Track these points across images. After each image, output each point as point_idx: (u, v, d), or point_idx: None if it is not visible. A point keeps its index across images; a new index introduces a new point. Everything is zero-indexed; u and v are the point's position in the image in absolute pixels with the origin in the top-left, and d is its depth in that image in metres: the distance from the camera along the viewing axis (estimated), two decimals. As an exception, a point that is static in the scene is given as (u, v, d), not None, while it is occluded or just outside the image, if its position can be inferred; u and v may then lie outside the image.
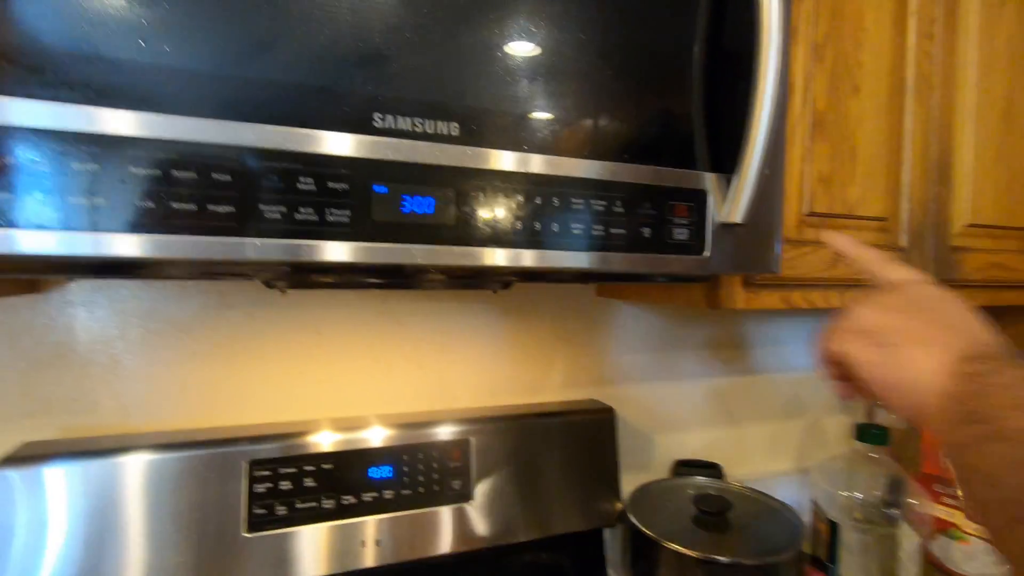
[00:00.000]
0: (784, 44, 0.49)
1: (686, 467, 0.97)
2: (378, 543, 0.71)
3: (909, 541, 0.80)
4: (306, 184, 0.39)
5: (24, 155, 0.33)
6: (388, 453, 0.72)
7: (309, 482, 0.68)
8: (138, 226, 0.35)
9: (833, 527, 0.79)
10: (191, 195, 0.37)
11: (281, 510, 0.67)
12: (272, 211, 0.38)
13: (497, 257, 0.45)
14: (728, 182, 0.53)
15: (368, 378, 0.81)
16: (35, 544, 0.58)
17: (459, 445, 0.76)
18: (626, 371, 0.98)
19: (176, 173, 0.36)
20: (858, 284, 0.72)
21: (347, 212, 0.40)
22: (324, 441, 0.70)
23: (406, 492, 0.73)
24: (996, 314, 0.96)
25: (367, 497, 0.71)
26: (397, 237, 0.42)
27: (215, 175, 0.37)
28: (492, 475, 0.78)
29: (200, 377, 0.73)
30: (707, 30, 0.52)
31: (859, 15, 0.70)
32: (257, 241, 0.38)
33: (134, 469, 0.62)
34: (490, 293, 0.85)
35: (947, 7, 0.76)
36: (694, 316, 1.02)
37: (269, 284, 0.58)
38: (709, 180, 0.53)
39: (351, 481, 0.70)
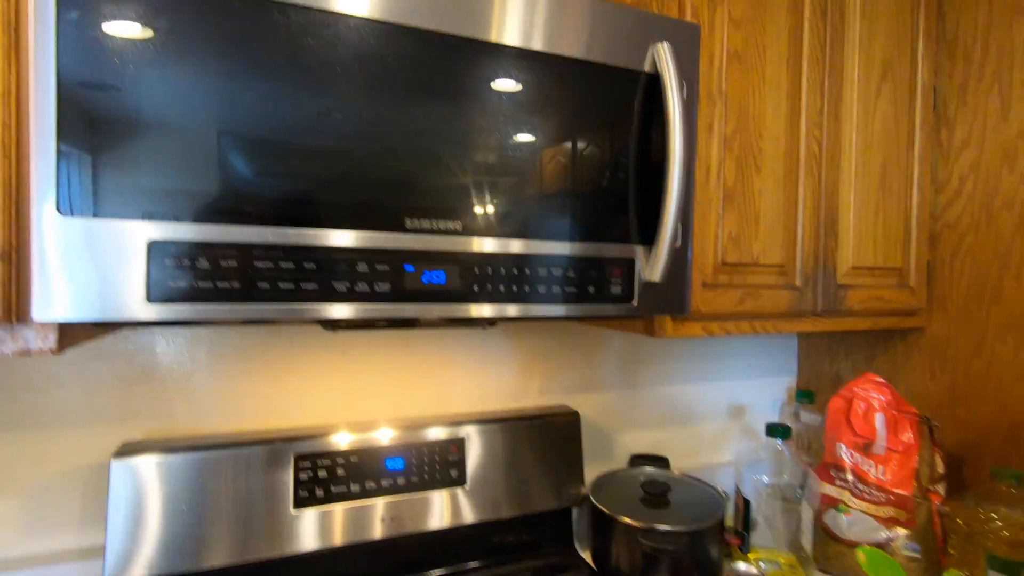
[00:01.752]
0: (687, 163, 0.70)
1: (640, 460, 1.19)
2: (393, 519, 0.91)
3: (807, 513, 1.03)
4: (362, 268, 0.60)
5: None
6: (401, 448, 0.93)
7: (340, 471, 0.89)
8: (272, 299, 0.56)
9: (747, 504, 1.01)
10: (291, 278, 0.57)
11: (319, 492, 0.87)
12: (341, 285, 0.59)
13: (488, 311, 0.65)
14: (650, 252, 0.74)
15: (383, 389, 1.02)
16: (142, 515, 0.77)
17: (456, 442, 0.97)
18: (591, 381, 1.19)
19: (282, 264, 0.57)
20: (759, 316, 0.94)
21: (388, 284, 0.61)
22: (352, 439, 0.90)
23: (414, 479, 0.93)
24: (878, 336, 1.20)
25: (384, 483, 0.91)
26: (420, 299, 0.63)
27: (305, 264, 0.58)
28: (482, 466, 0.99)
29: (253, 389, 0.93)
30: (637, 156, 0.73)
31: (761, 114, 0.92)
32: (334, 305, 0.59)
33: (214, 460, 0.81)
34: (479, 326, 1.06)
35: (831, 103, 0.99)
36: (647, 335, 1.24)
37: (325, 327, 0.78)
38: (638, 251, 0.74)
39: (372, 470, 0.91)
